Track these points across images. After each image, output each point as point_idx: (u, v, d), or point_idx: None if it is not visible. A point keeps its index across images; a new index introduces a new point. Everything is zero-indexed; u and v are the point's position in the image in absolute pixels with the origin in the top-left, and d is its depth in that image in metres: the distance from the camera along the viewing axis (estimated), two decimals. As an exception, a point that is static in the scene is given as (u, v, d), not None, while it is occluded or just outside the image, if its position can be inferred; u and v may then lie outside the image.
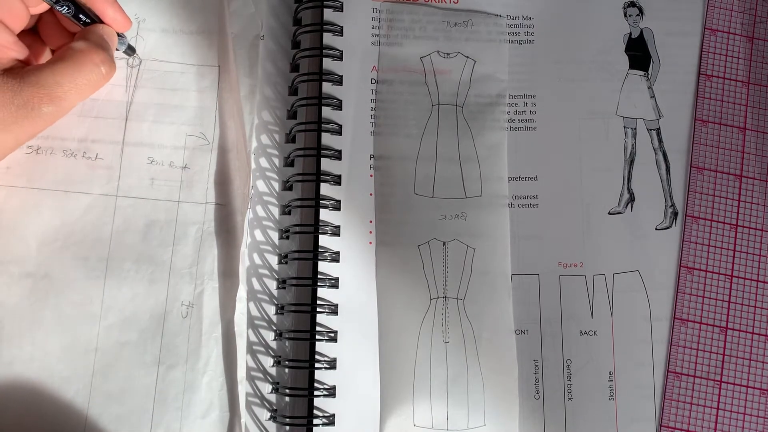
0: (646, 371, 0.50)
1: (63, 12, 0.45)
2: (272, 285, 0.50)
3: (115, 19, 0.47)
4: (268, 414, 0.48)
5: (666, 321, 0.51)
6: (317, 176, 0.50)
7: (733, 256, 0.51)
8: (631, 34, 0.54)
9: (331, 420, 0.47)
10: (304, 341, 0.48)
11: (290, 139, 0.51)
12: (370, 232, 0.51)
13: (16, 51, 0.45)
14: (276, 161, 0.51)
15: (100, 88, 0.46)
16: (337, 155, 0.51)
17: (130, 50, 0.51)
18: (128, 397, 0.47)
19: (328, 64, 0.52)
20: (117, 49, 0.49)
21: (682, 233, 0.52)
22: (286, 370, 0.48)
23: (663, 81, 0.54)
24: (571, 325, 0.50)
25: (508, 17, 0.54)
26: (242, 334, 0.48)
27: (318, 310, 0.48)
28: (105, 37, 0.46)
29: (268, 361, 0.49)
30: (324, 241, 0.49)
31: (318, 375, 0.48)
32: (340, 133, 0.51)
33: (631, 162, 0.53)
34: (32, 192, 0.48)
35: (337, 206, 0.50)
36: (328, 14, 0.52)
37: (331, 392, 0.48)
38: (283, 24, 0.53)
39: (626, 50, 0.54)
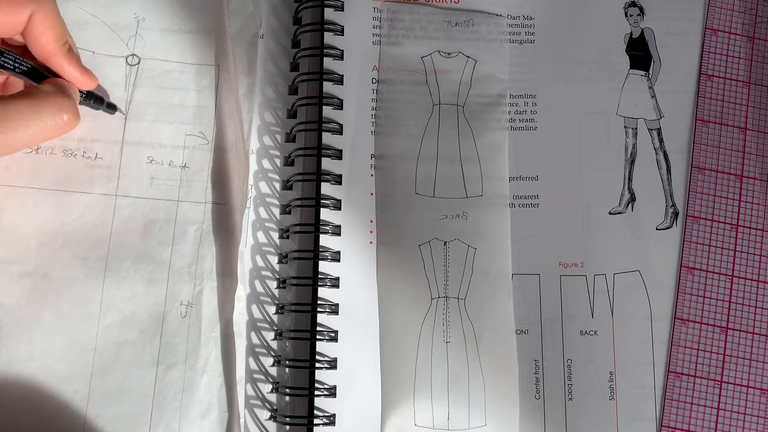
0: (647, 371, 0.50)
1: (4, 65, 0.44)
2: (273, 285, 0.50)
3: (75, 77, 0.46)
4: (268, 414, 0.48)
5: (666, 321, 0.51)
6: (318, 176, 0.50)
7: (734, 257, 0.51)
8: (631, 34, 0.54)
9: (331, 420, 0.47)
10: (305, 341, 0.48)
11: (290, 138, 0.51)
12: (371, 232, 0.51)
13: None
14: (277, 161, 0.51)
15: (55, 137, 0.45)
16: (338, 155, 0.51)
17: (111, 108, 0.50)
18: (127, 397, 0.47)
19: (328, 63, 0.52)
20: (97, 109, 0.49)
21: (683, 233, 0.52)
22: (287, 369, 0.48)
23: (664, 81, 0.54)
24: (571, 325, 0.50)
25: (509, 17, 0.54)
26: (241, 334, 0.48)
27: (318, 309, 0.48)
28: (68, 88, 0.46)
29: (268, 361, 0.49)
30: (324, 240, 0.49)
31: (318, 375, 0.48)
32: (340, 132, 0.51)
33: (632, 162, 0.53)
34: (32, 191, 0.48)
35: (337, 206, 0.50)
36: (329, 13, 0.52)
37: (332, 392, 0.48)
38: (283, 23, 0.53)
39: (627, 50, 0.54)
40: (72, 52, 0.46)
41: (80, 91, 0.47)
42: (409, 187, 0.51)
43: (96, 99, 0.49)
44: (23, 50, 0.46)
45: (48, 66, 0.46)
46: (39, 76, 0.45)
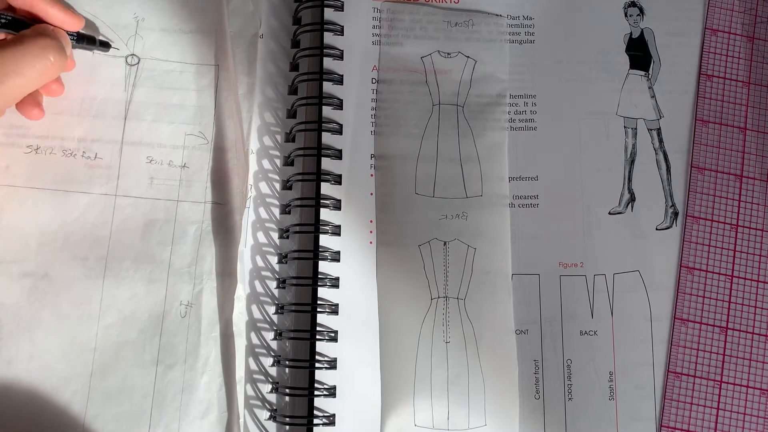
0: (647, 371, 0.50)
1: None
2: (273, 285, 0.50)
3: (60, 19, 0.47)
4: (268, 414, 0.48)
5: (666, 321, 0.51)
6: (317, 176, 0.50)
7: (734, 257, 0.51)
8: (631, 34, 0.54)
9: (331, 420, 0.47)
10: (305, 341, 0.48)
11: (290, 138, 0.51)
12: (371, 232, 0.50)
13: None
14: (277, 161, 0.51)
15: (49, 79, 0.46)
16: (338, 155, 0.51)
17: (104, 46, 0.50)
18: (127, 397, 0.47)
19: (328, 63, 0.52)
20: (91, 50, 0.50)
21: (683, 233, 0.52)
22: (286, 370, 0.48)
23: (663, 81, 0.54)
24: (571, 325, 0.50)
25: (509, 17, 0.54)
26: (240, 334, 0.48)
27: (318, 309, 0.48)
28: (54, 31, 0.47)
29: (268, 361, 0.49)
30: (324, 240, 0.49)
31: (318, 375, 0.48)
32: (340, 132, 0.51)
33: (632, 162, 0.53)
34: (32, 191, 0.48)
35: (337, 206, 0.50)
36: (329, 13, 0.52)
37: (332, 392, 0.48)
38: (283, 23, 0.53)
39: (627, 50, 0.54)
40: None
41: (71, 35, 0.48)
42: (409, 187, 0.51)
43: (88, 39, 0.49)
44: (7, 6, 0.47)
45: (34, 15, 0.46)
46: (24, 26, 0.46)
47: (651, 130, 0.53)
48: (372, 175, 0.51)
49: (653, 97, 0.54)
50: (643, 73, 0.54)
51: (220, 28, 0.52)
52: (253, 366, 0.49)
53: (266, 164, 0.51)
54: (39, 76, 0.45)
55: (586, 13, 0.55)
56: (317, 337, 0.48)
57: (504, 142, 0.52)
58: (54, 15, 0.47)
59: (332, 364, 0.48)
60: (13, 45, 0.44)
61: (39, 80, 0.45)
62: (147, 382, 0.47)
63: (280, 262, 0.50)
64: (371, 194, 0.51)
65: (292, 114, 0.52)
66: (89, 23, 0.50)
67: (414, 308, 0.50)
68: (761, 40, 0.55)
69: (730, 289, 0.51)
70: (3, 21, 0.46)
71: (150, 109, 0.51)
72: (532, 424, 0.49)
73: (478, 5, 0.54)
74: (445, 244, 0.50)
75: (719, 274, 0.51)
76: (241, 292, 0.49)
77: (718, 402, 0.50)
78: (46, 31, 0.46)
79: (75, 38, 0.49)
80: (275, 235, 0.50)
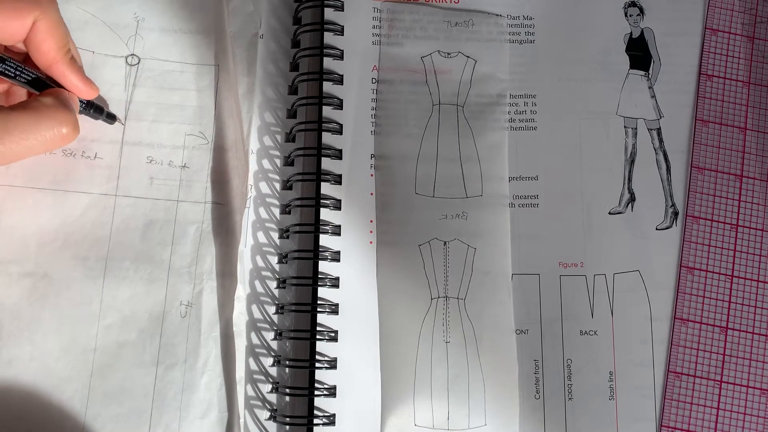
0: (647, 371, 0.50)
1: (6, 73, 0.44)
2: (273, 285, 0.50)
3: (76, 86, 0.46)
4: (268, 414, 0.48)
5: (666, 321, 0.51)
6: (318, 176, 0.50)
7: (734, 257, 0.51)
8: (631, 33, 0.55)
9: (331, 420, 0.47)
10: (305, 341, 0.48)
11: (290, 138, 0.51)
12: (371, 232, 0.51)
13: None
14: (277, 161, 0.51)
15: (53, 149, 0.46)
16: (338, 155, 0.51)
17: (110, 118, 0.50)
18: (127, 397, 0.47)
19: (328, 63, 0.52)
20: (96, 119, 0.49)
21: (683, 233, 0.52)
22: (287, 369, 0.48)
23: (663, 81, 0.54)
24: (571, 325, 0.50)
25: (509, 17, 0.54)
26: (241, 334, 0.48)
27: (318, 309, 0.48)
28: (69, 100, 0.46)
29: (268, 361, 0.49)
30: (324, 240, 0.49)
31: (318, 375, 0.48)
32: (340, 132, 0.51)
33: (632, 162, 0.53)
34: (32, 191, 0.48)
35: (337, 206, 0.50)
36: (329, 13, 0.52)
37: (332, 392, 0.48)
38: (283, 23, 0.53)
39: (627, 50, 0.54)
40: (74, 61, 0.46)
41: (80, 101, 0.47)
42: (409, 187, 0.51)
43: (96, 108, 0.49)
44: (24, 58, 0.46)
45: (49, 74, 0.46)
46: (41, 85, 0.45)
47: (651, 130, 0.53)
48: (372, 175, 0.51)
49: (653, 97, 0.54)
50: (643, 73, 0.54)
51: (220, 28, 0.52)
52: (253, 366, 0.49)
53: (266, 164, 0.51)
54: (43, 146, 0.44)
55: (586, 13, 0.55)
56: (317, 337, 0.48)
57: (504, 142, 0.52)
58: (71, 81, 0.46)
59: (332, 364, 0.48)
60: (30, 110, 0.43)
61: (42, 149, 0.44)
62: (147, 382, 0.47)
63: (280, 262, 0.50)
64: (371, 194, 0.51)
65: (292, 114, 0.52)
66: (99, 96, 0.50)
67: (414, 308, 0.50)
68: (761, 40, 0.55)
69: (730, 289, 0.51)
70: (24, 76, 0.45)
71: (150, 109, 0.51)
72: (532, 424, 0.49)
73: (478, 5, 0.54)
74: (445, 243, 0.50)
75: (719, 274, 0.51)
76: (241, 292, 0.49)
77: (718, 402, 0.50)
78: (65, 102, 0.45)
79: (84, 105, 0.48)
80: (275, 235, 0.50)
